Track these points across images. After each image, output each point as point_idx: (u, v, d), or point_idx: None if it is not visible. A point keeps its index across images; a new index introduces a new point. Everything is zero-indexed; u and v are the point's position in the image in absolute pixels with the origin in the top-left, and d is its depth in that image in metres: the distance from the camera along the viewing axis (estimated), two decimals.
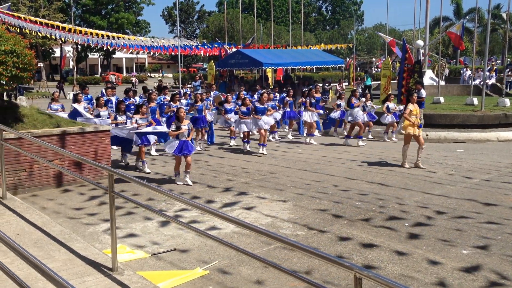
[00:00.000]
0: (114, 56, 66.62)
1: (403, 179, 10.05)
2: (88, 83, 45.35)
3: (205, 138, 14.53)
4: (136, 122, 10.99)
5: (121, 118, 11.56)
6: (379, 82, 25.57)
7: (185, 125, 9.65)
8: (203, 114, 13.81)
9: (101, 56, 69.01)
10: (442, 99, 20.54)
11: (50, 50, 55.21)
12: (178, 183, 9.62)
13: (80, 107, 13.32)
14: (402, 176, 10.37)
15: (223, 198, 8.66)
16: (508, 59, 41.12)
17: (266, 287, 5.18)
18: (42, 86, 41.17)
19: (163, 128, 11.18)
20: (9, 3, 28.73)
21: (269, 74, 29.48)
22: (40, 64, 44.93)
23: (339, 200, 8.45)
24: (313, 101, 15.27)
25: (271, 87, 22.95)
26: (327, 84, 26.76)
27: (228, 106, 14.64)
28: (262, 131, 13.11)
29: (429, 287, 5.17)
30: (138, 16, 71.54)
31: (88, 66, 73.06)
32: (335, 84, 29.35)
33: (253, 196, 8.79)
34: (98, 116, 12.74)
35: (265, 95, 14.02)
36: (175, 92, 15.52)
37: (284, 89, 17.65)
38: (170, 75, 69.68)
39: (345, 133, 15.39)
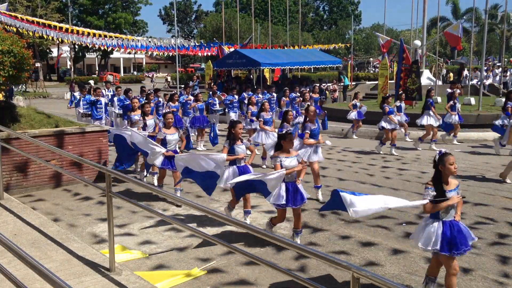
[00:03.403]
0: (111, 56, 66.51)
1: (399, 180, 10.06)
2: (85, 83, 45.24)
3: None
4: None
5: (240, 149, 7.20)
6: (376, 82, 25.59)
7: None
8: (204, 113, 13.74)
9: (98, 56, 68.89)
10: (439, 99, 20.55)
11: (48, 50, 55.13)
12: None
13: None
14: (398, 176, 10.38)
15: (221, 198, 8.66)
16: (506, 59, 41.22)
17: (264, 287, 5.18)
18: (40, 86, 41.12)
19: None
20: (7, 3, 28.65)
21: (267, 74, 29.49)
22: (38, 64, 44.89)
23: None
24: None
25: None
26: (323, 85, 26.82)
27: (253, 109, 13.13)
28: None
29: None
30: (136, 16, 71.37)
31: (86, 66, 72.91)
32: (329, 84, 29.40)
33: (250, 195, 8.77)
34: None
35: (290, 113, 9.66)
36: (173, 92, 15.50)
37: (285, 89, 17.62)
38: (167, 75, 69.60)
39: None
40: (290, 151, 6.38)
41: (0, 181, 7.28)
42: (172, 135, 8.45)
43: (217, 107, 16.00)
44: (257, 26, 48.47)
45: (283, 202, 6.14)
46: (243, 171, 7.03)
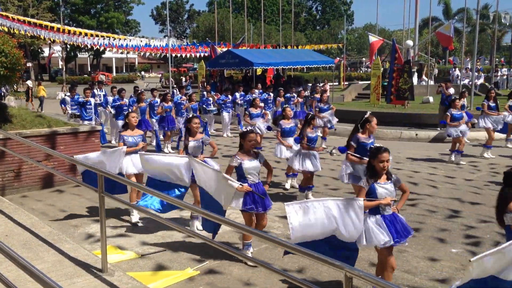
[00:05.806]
0: (103, 56, 66.27)
1: None
2: (77, 83, 45.02)
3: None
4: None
5: (385, 190, 4.73)
6: (369, 82, 25.67)
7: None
8: (198, 113, 13.71)
9: (90, 56, 68.61)
10: (431, 99, 20.65)
11: (39, 50, 54.81)
12: None
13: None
14: None
15: None
16: (497, 59, 41.52)
17: (257, 287, 5.18)
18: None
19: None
20: None
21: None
22: (29, 64, 44.61)
23: None
24: None
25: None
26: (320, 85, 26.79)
27: (253, 111, 12.68)
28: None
29: (419, 286, 5.20)
30: (128, 16, 71.15)
31: (78, 66, 72.58)
32: (321, 84, 29.34)
33: None
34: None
35: (288, 109, 9.44)
36: (166, 92, 15.44)
37: (280, 89, 17.59)
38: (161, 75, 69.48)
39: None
40: None
41: None
42: (251, 161, 5.76)
43: (211, 107, 15.98)
44: (250, 26, 48.46)
45: None
46: (392, 223, 4.70)
